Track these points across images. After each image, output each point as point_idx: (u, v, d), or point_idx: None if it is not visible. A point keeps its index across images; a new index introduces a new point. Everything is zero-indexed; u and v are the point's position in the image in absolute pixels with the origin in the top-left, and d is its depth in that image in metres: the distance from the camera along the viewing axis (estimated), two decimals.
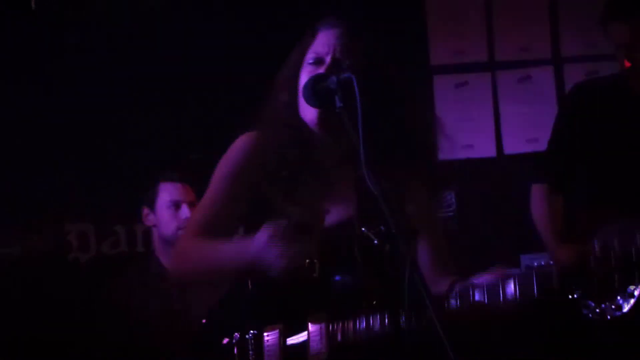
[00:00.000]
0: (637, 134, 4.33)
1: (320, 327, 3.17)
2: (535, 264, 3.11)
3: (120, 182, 5.85)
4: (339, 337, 3.14)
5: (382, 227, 3.03)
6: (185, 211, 5.20)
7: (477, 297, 3.07)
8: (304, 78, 3.27)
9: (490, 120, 6.32)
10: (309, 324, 3.17)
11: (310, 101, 3.18)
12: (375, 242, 3.11)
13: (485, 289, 3.05)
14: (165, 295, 5.14)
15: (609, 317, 4.18)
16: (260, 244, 3.09)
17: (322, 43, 3.29)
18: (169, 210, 5.25)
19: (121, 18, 6.21)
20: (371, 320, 3.12)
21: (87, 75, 6.10)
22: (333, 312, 3.18)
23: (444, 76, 6.35)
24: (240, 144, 3.41)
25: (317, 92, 3.15)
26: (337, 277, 3.24)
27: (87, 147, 6.03)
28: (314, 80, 3.16)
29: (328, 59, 3.24)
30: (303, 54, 3.32)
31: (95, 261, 6.08)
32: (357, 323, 3.12)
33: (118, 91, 6.13)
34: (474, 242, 5.95)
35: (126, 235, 6.09)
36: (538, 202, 4.56)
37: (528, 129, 6.26)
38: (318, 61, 3.27)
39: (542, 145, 6.00)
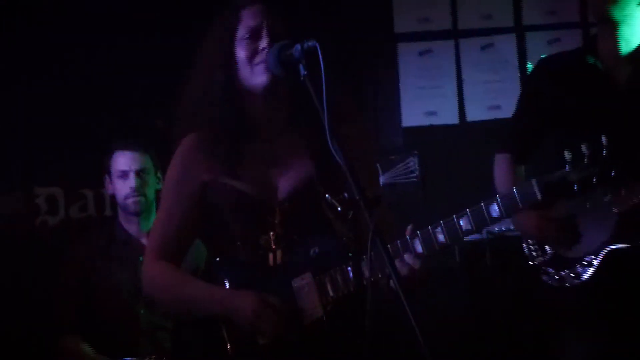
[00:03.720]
0: (597, 106, 4.26)
1: (307, 284, 3.28)
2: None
3: (88, 147, 5.78)
4: (331, 293, 3.25)
5: (345, 195, 3.07)
6: (131, 180, 5.16)
7: (463, 225, 3.16)
8: (241, 53, 3.35)
9: (453, 88, 6.36)
10: (294, 284, 3.28)
11: (276, 69, 3.20)
12: (339, 209, 3.17)
13: (470, 214, 3.15)
14: (128, 261, 5.14)
15: (567, 284, 4.20)
16: (250, 310, 3.21)
17: (252, 17, 3.35)
18: (119, 179, 5.21)
19: None
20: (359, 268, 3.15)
21: (59, 40, 6.11)
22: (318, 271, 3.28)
23: (408, 44, 6.36)
24: (179, 152, 3.50)
25: (282, 60, 3.16)
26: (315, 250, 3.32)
27: (56, 112, 6.03)
28: (279, 49, 3.18)
29: (264, 31, 3.32)
30: (232, 33, 3.38)
31: (63, 224, 6.10)
32: (345, 274, 3.21)
33: (91, 56, 6.13)
34: (438, 205, 5.84)
35: (94, 200, 6.12)
36: (501, 171, 4.53)
37: (490, 96, 6.33)
38: (254, 34, 3.33)
39: (503, 113, 6.14)
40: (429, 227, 3.17)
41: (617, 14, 4.22)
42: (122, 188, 5.20)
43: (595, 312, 4.20)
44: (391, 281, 2.87)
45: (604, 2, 4.21)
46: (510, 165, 4.51)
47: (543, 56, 4.87)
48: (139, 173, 5.20)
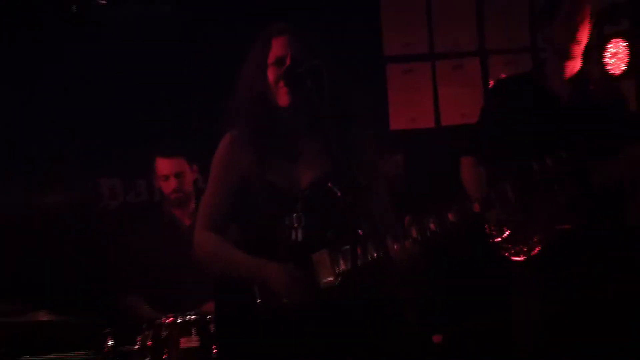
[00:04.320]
0: (544, 119, 4.21)
1: (324, 257, 3.30)
2: None
3: (143, 144, 5.65)
4: (342, 265, 3.26)
5: (344, 183, 3.15)
6: (172, 182, 5.21)
7: (451, 218, 3.22)
8: (270, 75, 3.37)
9: (431, 99, 6.29)
10: (313, 257, 3.30)
11: (290, 85, 3.28)
12: (339, 194, 3.22)
13: (456, 210, 3.22)
14: (175, 239, 5.19)
15: (522, 257, 4.16)
16: (279, 276, 3.26)
17: (279, 47, 3.36)
18: (162, 180, 5.25)
19: None
20: (364, 246, 3.23)
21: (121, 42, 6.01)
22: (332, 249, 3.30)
23: (394, 64, 6.30)
24: (223, 143, 3.51)
25: (292, 78, 3.24)
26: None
27: (116, 117, 5.92)
28: (288, 71, 3.26)
29: (288, 60, 3.32)
30: (265, 59, 3.38)
31: (121, 208, 6.07)
32: (354, 251, 3.15)
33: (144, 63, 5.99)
34: (418, 192, 5.91)
35: (146, 188, 6.07)
36: (467, 171, 4.46)
37: (459, 106, 6.25)
38: (279, 61, 3.34)
39: (470, 119, 5.99)
40: (423, 216, 3.22)
41: (575, 52, 4.24)
42: (165, 187, 5.26)
43: (541, 279, 4.19)
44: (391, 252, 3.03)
45: (568, 40, 4.18)
46: (474, 167, 4.46)
47: (501, 77, 4.89)
48: (178, 175, 5.23)
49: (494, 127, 4.42)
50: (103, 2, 6.04)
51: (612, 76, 4.94)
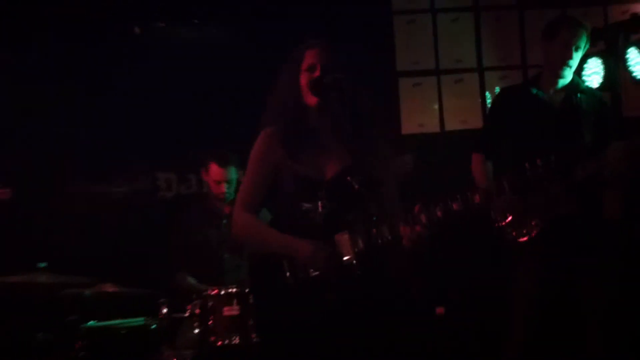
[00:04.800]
0: (539, 122, 4.28)
1: (344, 238, 3.28)
2: None
3: (194, 147, 5.75)
4: (361, 245, 3.25)
5: (360, 178, 3.16)
6: (222, 187, 5.22)
7: (455, 207, 3.20)
8: (303, 80, 3.37)
9: (436, 108, 6.24)
10: (336, 237, 3.28)
11: (315, 92, 3.30)
12: (356, 187, 3.22)
13: (460, 199, 3.20)
14: (215, 223, 5.22)
15: (525, 238, 4.21)
16: (307, 251, 3.26)
17: (311, 57, 3.37)
18: (214, 183, 5.25)
19: None
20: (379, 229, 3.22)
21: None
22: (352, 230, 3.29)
23: (405, 78, 6.25)
24: (260, 138, 3.48)
25: (319, 87, 3.27)
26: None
27: (172, 122, 5.94)
28: (318, 79, 3.29)
29: (318, 67, 3.33)
30: (299, 66, 3.39)
31: (175, 198, 6.07)
32: (370, 233, 3.21)
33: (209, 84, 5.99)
34: (425, 186, 5.72)
35: (196, 181, 6.04)
36: (476, 165, 4.50)
37: (460, 113, 6.24)
38: (311, 68, 3.36)
39: (470, 124, 6.13)
40: (431, 204, 3.22)
41: (567, 73, 4.26)
42: (215, 188, 5.27)
43: (537, 256, 4.24)
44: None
45: (561, 65, 4.25)
46: (482, 162, 4.50)
47: (502, 87, 4.93)
48: (228, 182, 5.25)
49: (497, 128, 4.47)
50: (162, 24, 6.10)
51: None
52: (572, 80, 4.38)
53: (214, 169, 5.28)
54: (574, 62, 4.29)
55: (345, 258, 3.27)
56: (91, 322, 4.71)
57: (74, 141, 5.89)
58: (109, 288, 4.80)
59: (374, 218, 3.21)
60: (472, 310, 5.72)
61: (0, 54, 5.89)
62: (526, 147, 4.13)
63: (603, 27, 5.47)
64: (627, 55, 4.93)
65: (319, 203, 3.34)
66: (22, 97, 5.86)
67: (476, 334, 5.63)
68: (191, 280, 5.12)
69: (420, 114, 6.29)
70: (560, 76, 4.31)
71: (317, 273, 3.29)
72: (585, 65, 4.90)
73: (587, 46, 4.32)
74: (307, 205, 3.35)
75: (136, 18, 6.04)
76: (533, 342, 4.22)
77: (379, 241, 3.24)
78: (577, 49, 4.28)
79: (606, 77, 4.83)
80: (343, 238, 3.29)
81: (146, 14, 6.05)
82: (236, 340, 4.31)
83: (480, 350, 5.42)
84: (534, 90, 4.38)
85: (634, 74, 4.94)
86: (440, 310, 5.62)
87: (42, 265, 4.66)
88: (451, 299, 5.72)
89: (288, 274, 3.33)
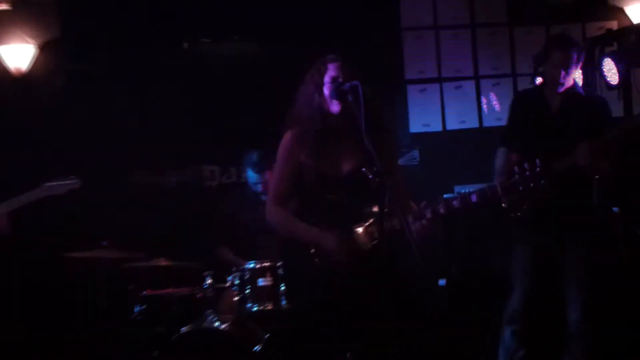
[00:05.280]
0: (545, 121, 4.19)
1: (362, 229, 3.25)
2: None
3: (235, 145, 5.66)
4: (376, 235, 3.21)
5: (374, 169, 3.09)
6: (257, 187, 5.09)
7: (455, 204, 3.18)
8: (325, 90, 3.30)
9: (439, 110, 6.19)
10: (355, 228, 3.26)
11: (336, 98, 3.26)
12: (370, 177, 3.15)
13: (459, 195, 3.18)
14: (251, 206, 5.09)
15: (520, 216, 4.08)
16: (330, 242, 3.21)
17: (333, 69, 3.30)
18: (251, 182, 5.12)
19: None
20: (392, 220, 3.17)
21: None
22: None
23: (413, 85, 6.19)
24: (286, 139, 3.42)
25: (339, 92, 3.22)
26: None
27: (214, 121, 5.93)
28: (338, 86, 3.23)
29: (339, 79, 3.27)
30: (322, 77, 3.32)
31: (218, 186, 6.04)
32: (383, 224, 3.14)
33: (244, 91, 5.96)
34: (430, 178, 5.89)
35: (236, 172, 6.01)
36: (499, 158, 4.30)
37: (460, 116, 6.20)
38: (334, 80, 3.29)
39: (468, 124, 6.16)
40: (437, 199, 3.21)
41: (562, 85, 4.20)
42: (253, 186, 5.16)
43: (532, 232, 4.19)
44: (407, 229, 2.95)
45: (555, 82, 4.14)
46: (506, 155, 4.27)
47: (520, 90, 5.16)
48: (264, 183, 5.06)
49: (516, 125, 4.37)
50: (208, 40, 6.08)
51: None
52: (572, 86, 4.26)
53: (249, 174, 5.16)
54: (568, 78, 4.21)
55: (362, 247, 3.23)
56: (147, 291, 4.71)
57: (135, 139, 5.90)
58: (162, 262, 4.80)
59: (385, 210, 3.12)
60: (475, 281, 5.61)
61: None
62: (534, 140, 4.17)
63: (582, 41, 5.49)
64: (602, 66, 4.88)
65: (338, 197, 3.30)
66: (96, 100, 5.92)
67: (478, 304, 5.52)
68: (230, 253, 5.07)
69: (426, 116, 6.25)
70: (556, 88, 4.26)
71: (340, 259, 3.23)
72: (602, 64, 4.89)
73: (582, 59, 4.24)
74: (327, 197, 3.30)
75: (185, 34, 6.08)
76: (529, 308, 4.15)
77: (390, 231, 3.17)
78: (567, 69, 4.16)
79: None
80: (361, 229, 3.25)
81: (195, 31, 6.08)
82: (269, 307, 4.31)
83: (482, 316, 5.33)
84: (539, 95, 4.32)
85: (609, 80, 4.88)
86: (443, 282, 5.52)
87: (104, 243, 4.66)
88: (455, 271, 5.51)
89: (316, 259, 3.27)
